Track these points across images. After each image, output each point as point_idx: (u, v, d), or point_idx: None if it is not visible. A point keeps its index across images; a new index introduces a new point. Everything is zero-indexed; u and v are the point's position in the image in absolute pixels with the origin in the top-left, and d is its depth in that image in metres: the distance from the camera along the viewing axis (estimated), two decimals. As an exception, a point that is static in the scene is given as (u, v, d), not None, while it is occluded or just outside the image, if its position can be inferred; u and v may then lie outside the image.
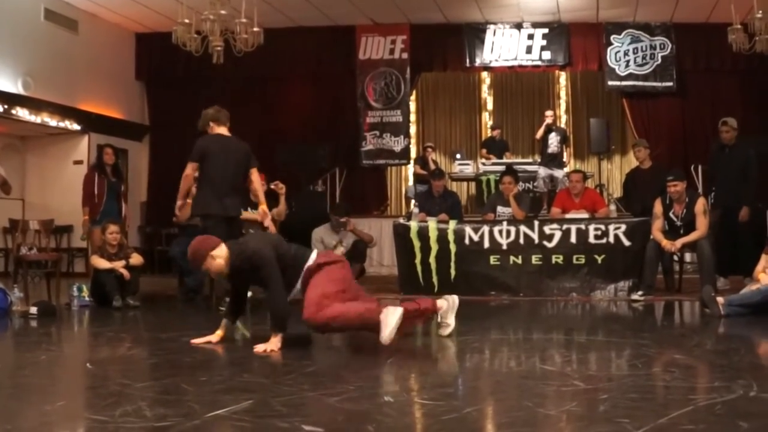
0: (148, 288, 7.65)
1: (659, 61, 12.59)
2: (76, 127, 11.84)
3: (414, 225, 8.53)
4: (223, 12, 9.09)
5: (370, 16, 12.66)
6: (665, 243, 7.79)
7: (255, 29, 9.45)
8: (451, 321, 5.03)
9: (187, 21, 9.28)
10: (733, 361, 4.24)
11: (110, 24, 12.76)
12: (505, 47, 13.02)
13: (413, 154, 14.01)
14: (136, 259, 7.68)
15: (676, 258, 8.41)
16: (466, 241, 8.39)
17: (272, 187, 8.51)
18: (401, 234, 8.51)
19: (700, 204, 7.92)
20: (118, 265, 7.41)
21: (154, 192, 13.63)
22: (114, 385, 3.67)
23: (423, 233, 8.42)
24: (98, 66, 12.37)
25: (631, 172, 10.07)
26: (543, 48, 12.93)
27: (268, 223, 8.32)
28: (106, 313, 7.03)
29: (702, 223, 7.81)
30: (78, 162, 11.86)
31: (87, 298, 7.45)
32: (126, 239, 8.30)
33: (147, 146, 13.84)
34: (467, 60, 13.12)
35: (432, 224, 8.47)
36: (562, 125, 13.86)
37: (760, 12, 9.15)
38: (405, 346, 4.71)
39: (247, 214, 8.48)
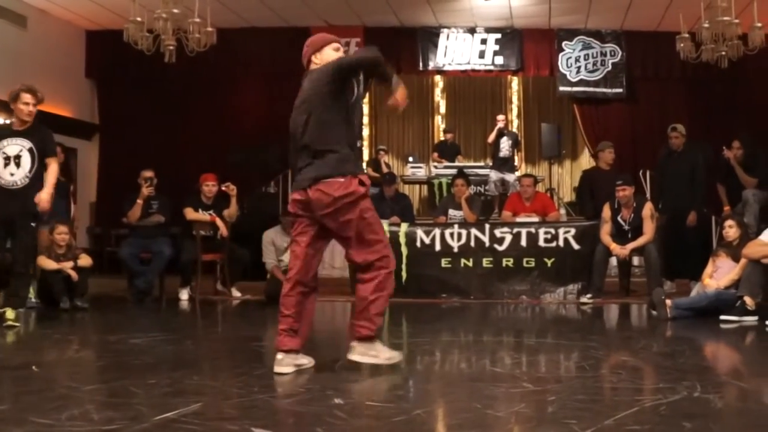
0: (97, 289, 7.54)
1: (609, 67, 12.79)
2: (23, 125, 11.59)
3: (366, 227, 8.50)
4: (175, 11, 9.00)
5: (324, 18, 12.63)
6: (615, 248, 7.92)
7: (208, 29, 9.37)
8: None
9: (139, 19, 9.18)
10: (679, 362, 4.33)
11: (60, 21, 12.54)
12: (459, 51, 13.11)
13: (366, 156, 14.02)
14: (84, 260, 7.55)
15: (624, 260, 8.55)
16: (418, 243, 8.42)
17: (223, 188, 8.46)
18: (353, 236, 8.46)
19: (648, 209, 8.05)
20: (66, 265, 7.28)
21: (103, 192, 13.43)
22: (61, 388, 3.61)
23: (375, 236, 8.40)
24: (47, 63, 12.12)
25: (588, 172, 9.96)
26: (496, 53, 13.06)
27: (219, 224, 8.29)
28: (53, 314, 6.90)
29: (649, 228, 7.95)
30: (25, 161, 11.60)
31: (34, 300, 7.31)
32: (75, 240, 8.15)
33: (96, 145, 13.62)
34: (421, 63, 13.18)
35: (384, 227, 8.47)
36: (514, 130, 14.00)
37: (707, 22, 9.35)
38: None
39: (198, 215, 8.43)
